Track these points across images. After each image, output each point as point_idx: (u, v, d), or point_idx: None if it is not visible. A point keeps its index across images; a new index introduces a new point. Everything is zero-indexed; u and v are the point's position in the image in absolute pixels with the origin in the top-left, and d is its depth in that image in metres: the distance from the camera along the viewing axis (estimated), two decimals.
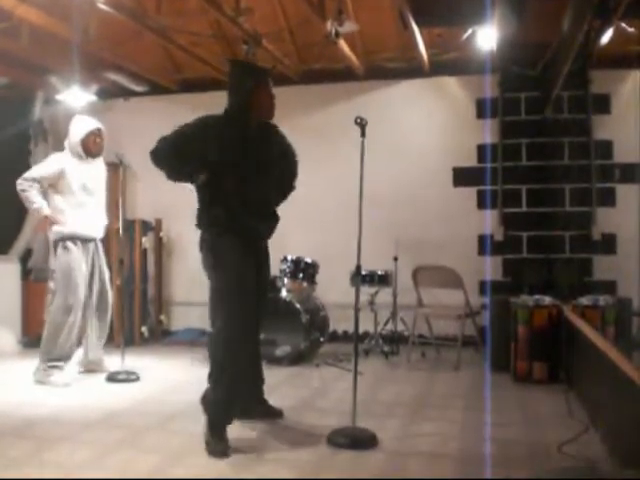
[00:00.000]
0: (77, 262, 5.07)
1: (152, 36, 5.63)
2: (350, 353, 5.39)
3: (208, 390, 3.54)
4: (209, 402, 3.51)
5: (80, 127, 5.14)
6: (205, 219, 3.63)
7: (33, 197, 4.99)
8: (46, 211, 5.01)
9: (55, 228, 5.05)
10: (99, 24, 5.53)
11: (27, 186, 4.99)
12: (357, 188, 3.74)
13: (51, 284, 5.10)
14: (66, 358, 5.07)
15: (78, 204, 5.09)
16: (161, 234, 7.21)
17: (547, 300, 5.11)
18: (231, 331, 3.46)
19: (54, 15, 5.14)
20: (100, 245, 5.32)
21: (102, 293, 5.29)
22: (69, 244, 5.05)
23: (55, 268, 5.13)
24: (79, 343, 5.31)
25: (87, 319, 5.25)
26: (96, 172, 5.25)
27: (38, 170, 5.10)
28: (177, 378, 5.22)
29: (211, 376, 3.53)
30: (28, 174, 5.04)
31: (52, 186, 5.09)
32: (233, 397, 3.51)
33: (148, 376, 5.19)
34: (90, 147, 5.14)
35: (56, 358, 5.00)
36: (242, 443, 3.52)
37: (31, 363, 5.15)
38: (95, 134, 5.15)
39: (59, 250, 5.07)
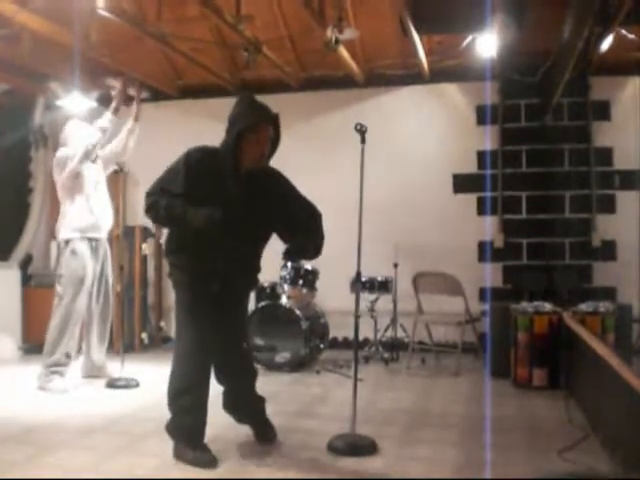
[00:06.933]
0: (85, 267, 5.04)
1: (153, 42, 5.64)
2: (350, 360, 5.38)
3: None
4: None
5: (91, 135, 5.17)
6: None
7: None
8: None
9: (64, 228, 5.03)
10: (100, 30, 5.54)
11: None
12: (357, 195, 3.75)
13: (58, 288, 5.06)
14: (66, 362, 5.05)
15: (90, 203, 5.10)
16: (161, 240, 7.20)
17: (547, 307, 5.11)
18: None
19: (55, 21, 5.15)
20: (108, 249, 5.31)
21: (106, 299, 5.30)
22: (78, 248, 5.03)
23: (63, 272, 5.05)
24: (79, 349, 5.31)
25: (89, 324, 5.25)
26: (99, 170, 5.29)
27: None
28: None
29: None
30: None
31: (67, 187, 5.06)
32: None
33: (148, 382, 5.18)
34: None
35: (57, 362, 4.99)
36: (241, 448, 3.53)
37: (31, 370, 5.15)
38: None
39: (67, 254, 5.02)
